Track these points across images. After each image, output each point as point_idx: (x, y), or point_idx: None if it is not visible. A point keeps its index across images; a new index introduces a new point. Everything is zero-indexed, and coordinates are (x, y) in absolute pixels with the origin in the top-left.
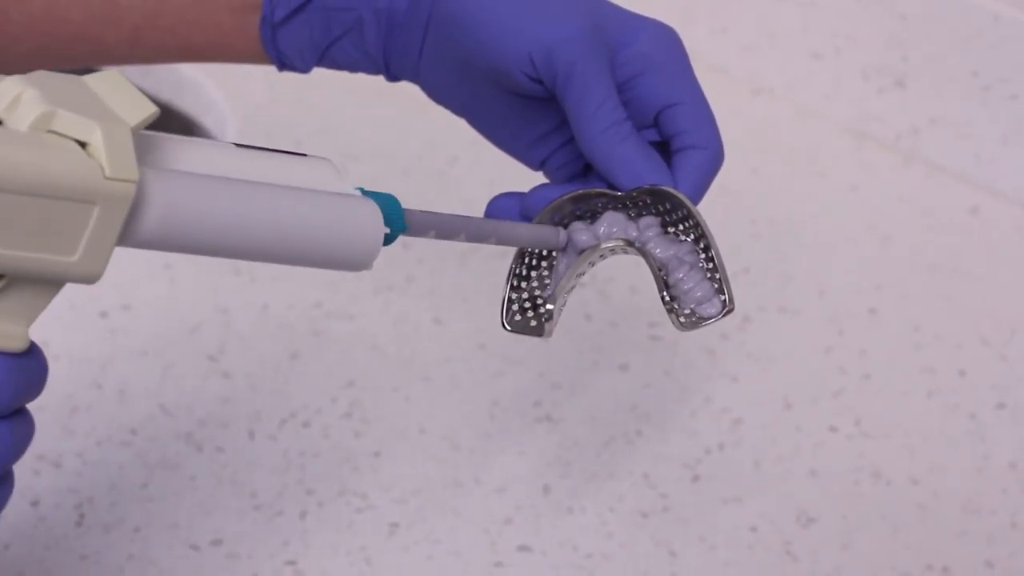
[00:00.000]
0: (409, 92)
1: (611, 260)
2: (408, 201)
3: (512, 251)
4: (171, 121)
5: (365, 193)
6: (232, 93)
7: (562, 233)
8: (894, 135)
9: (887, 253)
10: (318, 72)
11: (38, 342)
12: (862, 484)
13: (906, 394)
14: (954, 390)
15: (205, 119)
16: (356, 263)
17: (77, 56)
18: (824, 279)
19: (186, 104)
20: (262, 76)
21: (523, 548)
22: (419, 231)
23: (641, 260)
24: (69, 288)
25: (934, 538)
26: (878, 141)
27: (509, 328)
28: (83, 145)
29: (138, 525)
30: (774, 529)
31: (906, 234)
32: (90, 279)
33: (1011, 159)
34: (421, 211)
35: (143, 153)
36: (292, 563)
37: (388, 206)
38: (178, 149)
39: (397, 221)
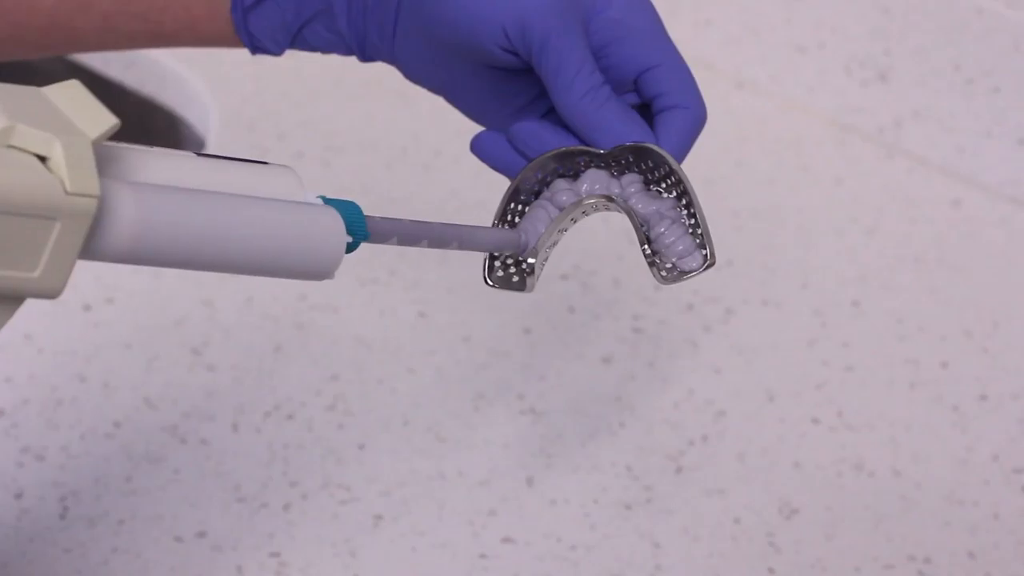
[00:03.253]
0: (394, 85)
1: (593, 253)
2: (392, 194)
3: (494, 207)
4: (154, 115)
5: (327, 201)
6: (216, 86)
7: (523, 236)
8: (877, 128)
9: (870, 245)
10: (303, 65)
11: (22, 335)
12: (845, 476)
13: (889, 386)
14: (937, 382)
15: (188, 113)
16: (318, 272)
17: (50, 44)
18: (807, 272)
19: (169, 98)
20: (246, 69)
21: (507, 540)
22: (381, 238)
23: (626, 244)
24: None
25: (917, 529)
26: (861, 134)
27: (491, 284)
28: (43, 160)
29: (122, 518)
30: (757, 521)
31: (889, 227)
32: (51, 295)
33: (994, 152)
34: (382, 218)
35: (105, 165)
36: (276, 555)
37: (350, 214)
38: (140, 160)
39: (360, 229)
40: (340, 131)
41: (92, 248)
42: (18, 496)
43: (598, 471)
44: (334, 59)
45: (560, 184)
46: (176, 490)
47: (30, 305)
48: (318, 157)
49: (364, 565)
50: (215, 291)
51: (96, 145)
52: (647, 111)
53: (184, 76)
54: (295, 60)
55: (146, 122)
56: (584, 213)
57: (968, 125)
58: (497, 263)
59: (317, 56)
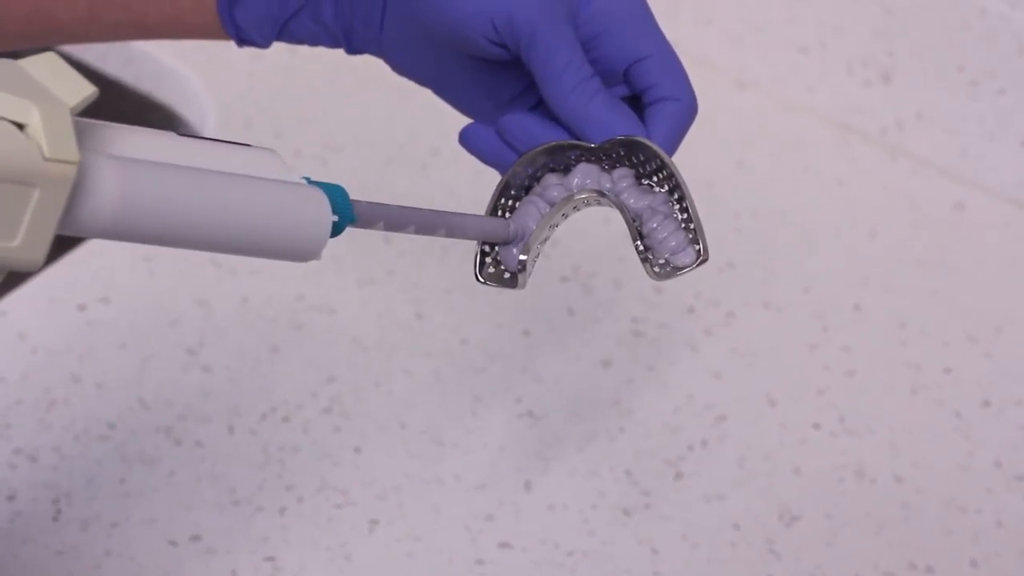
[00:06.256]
0: (392, 81)
1: (594, 255)
2: (390, 192)
3: (482, 208)
4: (151, 112)
5: (312, 183)
6: (212, 84)
7: (512, 226)
8: (880, 129)
9: (872, 248)
10: (300, 62)
11: (15, 334)
12: (846, 482)
13: (891, 391)
14: (939, 387)
15: (185, 110)
16: (304, 252)
17: (32, 34)
18: (809, 274)
19: (166, 95)
20: (243, 66)
21: (504, 545)
22: (368, 222)
23: (627, 246)
24: (47, 281)
25: (918, 537)
26: (864, 135)
27: (483, 280)
28: (21, 127)
29: (116, 520)
30: (757, 527)
31: (892, 229)
32: (31, 266)
33: (997, 154)
34: (369, 202)
35: (86, 139)
36: (271, 559)
37: (336, 196)
38: (121, 137)
39: (345, 211)
40: (338, 129)
41: (73, 220)
42: (11, 498)
43: (596, 476)
44: (331, 55)
45: (551, 179)
46: (170, 492)
47: (24, 304)
48: (316, 155)
49: (359, 570)
50: (210, 291)
51: (77, 120)
52: (637, 103)
53: (181, 73)
54: (292, 57)
55: (143, 119)
56: (575, 208)
57: (971, 127)
58: (488, 259)
59: (315, 53)
